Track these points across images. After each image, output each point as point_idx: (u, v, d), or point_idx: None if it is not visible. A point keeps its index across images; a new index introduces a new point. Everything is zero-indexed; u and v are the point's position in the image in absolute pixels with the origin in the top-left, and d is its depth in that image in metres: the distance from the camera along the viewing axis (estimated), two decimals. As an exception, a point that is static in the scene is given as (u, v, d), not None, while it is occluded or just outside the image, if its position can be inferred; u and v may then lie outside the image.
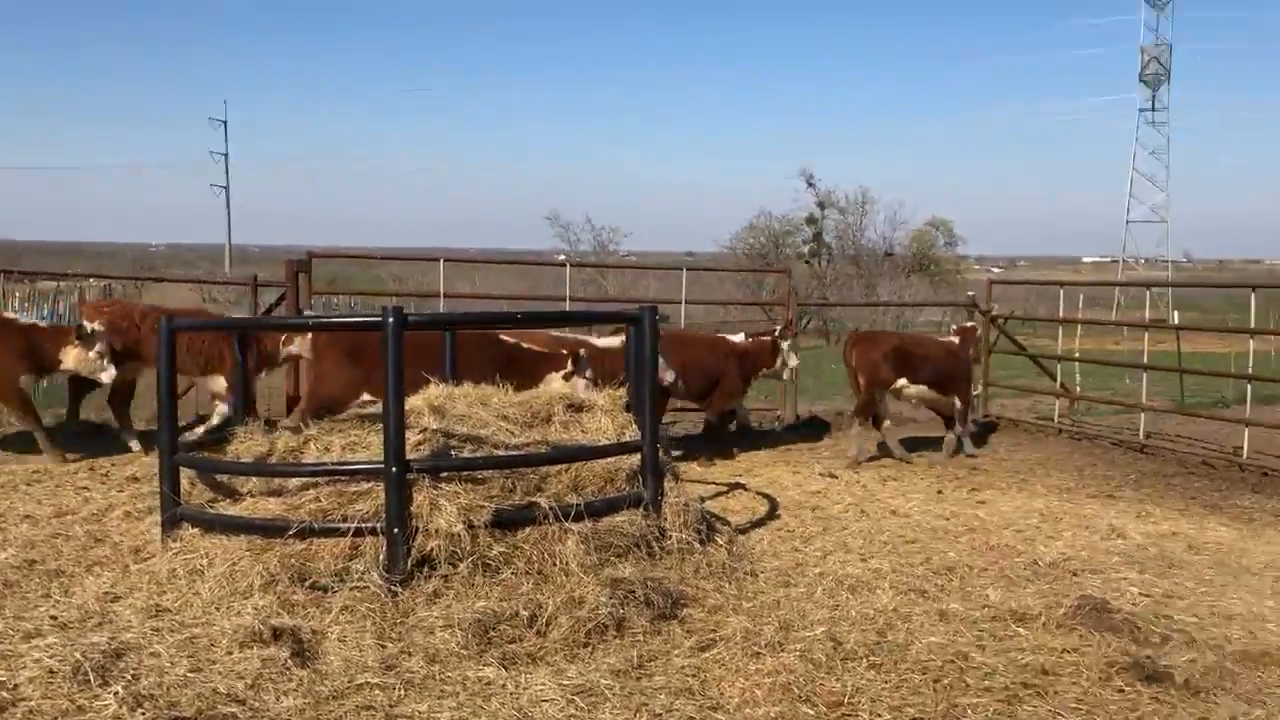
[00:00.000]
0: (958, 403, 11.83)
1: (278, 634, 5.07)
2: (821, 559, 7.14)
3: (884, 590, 6.37)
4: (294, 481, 6.25)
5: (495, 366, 8.69)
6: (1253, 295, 12.62)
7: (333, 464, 6.29)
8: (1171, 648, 5.56)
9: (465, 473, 6.17)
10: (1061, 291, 15.16)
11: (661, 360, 10.38)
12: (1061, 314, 15.10)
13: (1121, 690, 4.98)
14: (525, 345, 10.08)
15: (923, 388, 11.64)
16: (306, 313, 12.22)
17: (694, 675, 5.04)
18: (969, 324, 13.06)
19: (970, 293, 15.50)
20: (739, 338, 12.00)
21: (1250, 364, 12.80)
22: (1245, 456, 11.56)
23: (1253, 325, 12.92)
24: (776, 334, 11.94)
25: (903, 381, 11.50)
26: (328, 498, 5.99)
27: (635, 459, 6.76)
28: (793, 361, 12.06)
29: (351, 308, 28.82)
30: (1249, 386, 12.96)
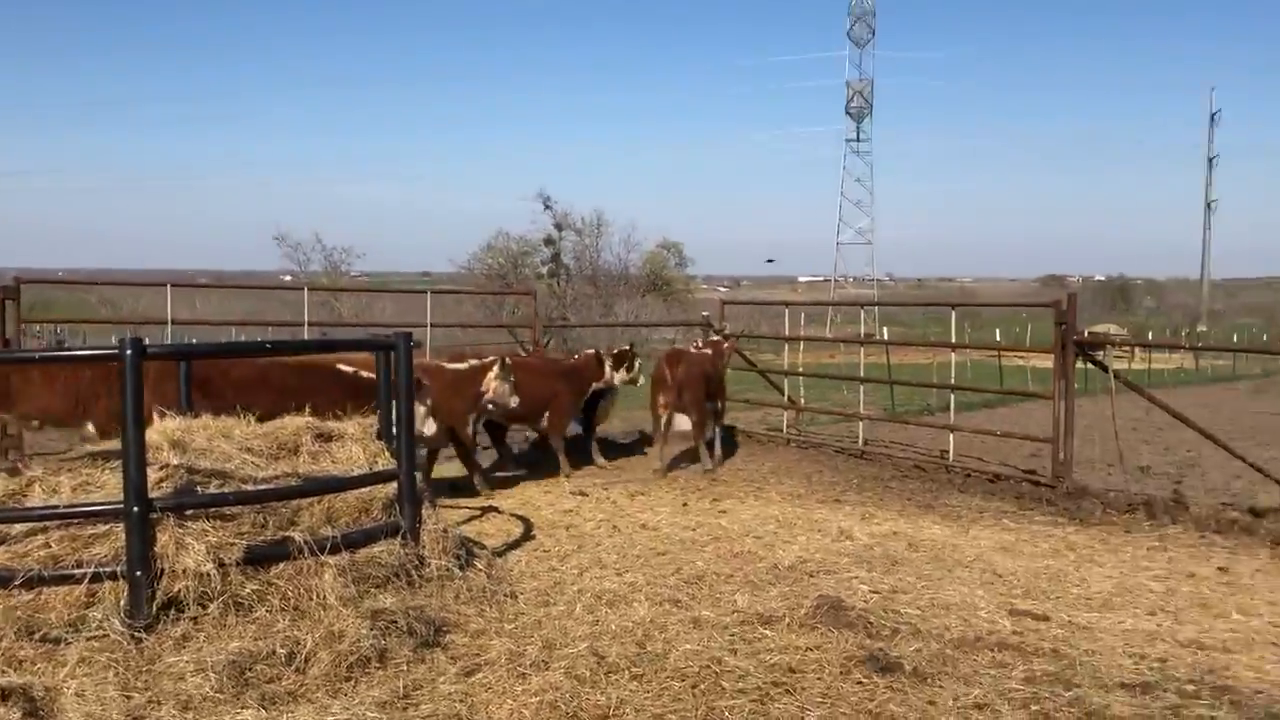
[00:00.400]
0: (720, 407, 13.07)
1: (5, 694, 4.70)
2: (579, 576, 7.31)
3: (640, 602, 6.61)
4: (19, 527, 5.78)
5: (343, 398, 8.60)
6: (953, 313, 13.91)
7: (65, 506, 5.86)
8: (900, 639, 6.08)
9: (213, 509, 5.91)
10: (786, 311, 16.13)
11: (506, 387, 10.50)
12: (786, 331, 16.05)
13: (860, 682, 5.40)
14: (365, 374, 9.82)
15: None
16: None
17: (461, 701, 5.07)
18: (716, 338, 13.82)
19: (705, 313, 16.19)
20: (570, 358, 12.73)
21: (952, 374, 14.07)
22: (951, 459, 12.71)
23: (953, 340, 14.21)
24: (631, 348, 13.15)
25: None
26: (60, 543, 5.59)
27: (391, 487, 6.69)
28: (642, 380, 13.00)
29: (57, 335, 26.61)
30: (952, 395, 14.26)
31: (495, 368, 10.63)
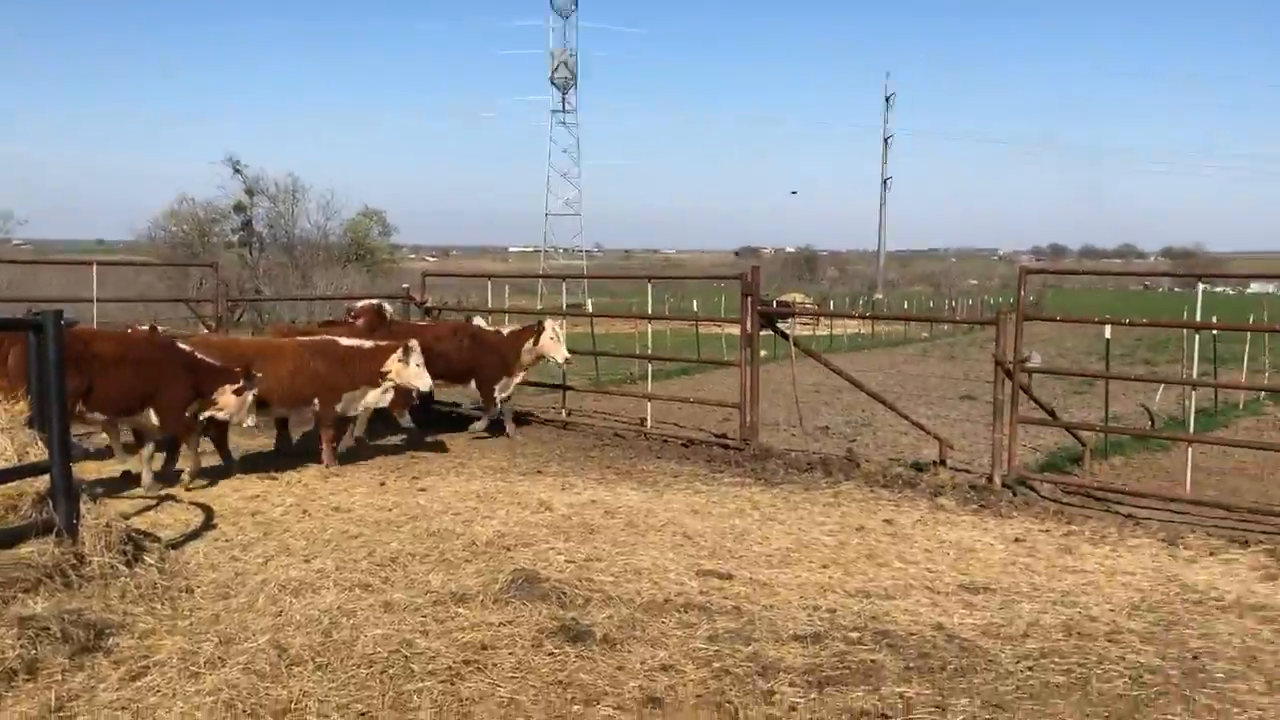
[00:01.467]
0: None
1: None
2: (263, 565, 6.94)
3: (329, 589, 6.37)
4: None
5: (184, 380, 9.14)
6: (649, 285, 14.30)
7: None
8: (592, 607, 6.19)
9: None
10: (489, 283, 16.01)
11: (412, 370, 10.55)
12: (490, 304, 15.94)
13: (552, 654, 5.45)
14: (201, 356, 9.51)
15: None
16: None
17: (124, 708, 4.69)
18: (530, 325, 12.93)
19: (404, 285, 15.78)
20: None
21: (649, 344, 14.46)
22: (649, 426, 13.08)
23: (650, 311, 14.61)
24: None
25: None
26: None
27: (44, 481, 6.08)
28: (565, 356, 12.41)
29: None
30: (650, 365, 14.66)
31: (400, 351, 10.61)
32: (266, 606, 6.04)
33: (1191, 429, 11.36)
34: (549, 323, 12.45)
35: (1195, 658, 5.63)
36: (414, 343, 10.73)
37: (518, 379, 12.66)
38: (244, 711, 4.66)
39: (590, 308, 21.66)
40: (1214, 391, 16.96)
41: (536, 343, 12.38)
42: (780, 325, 12.49)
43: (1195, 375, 13.77)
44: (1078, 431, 11.15)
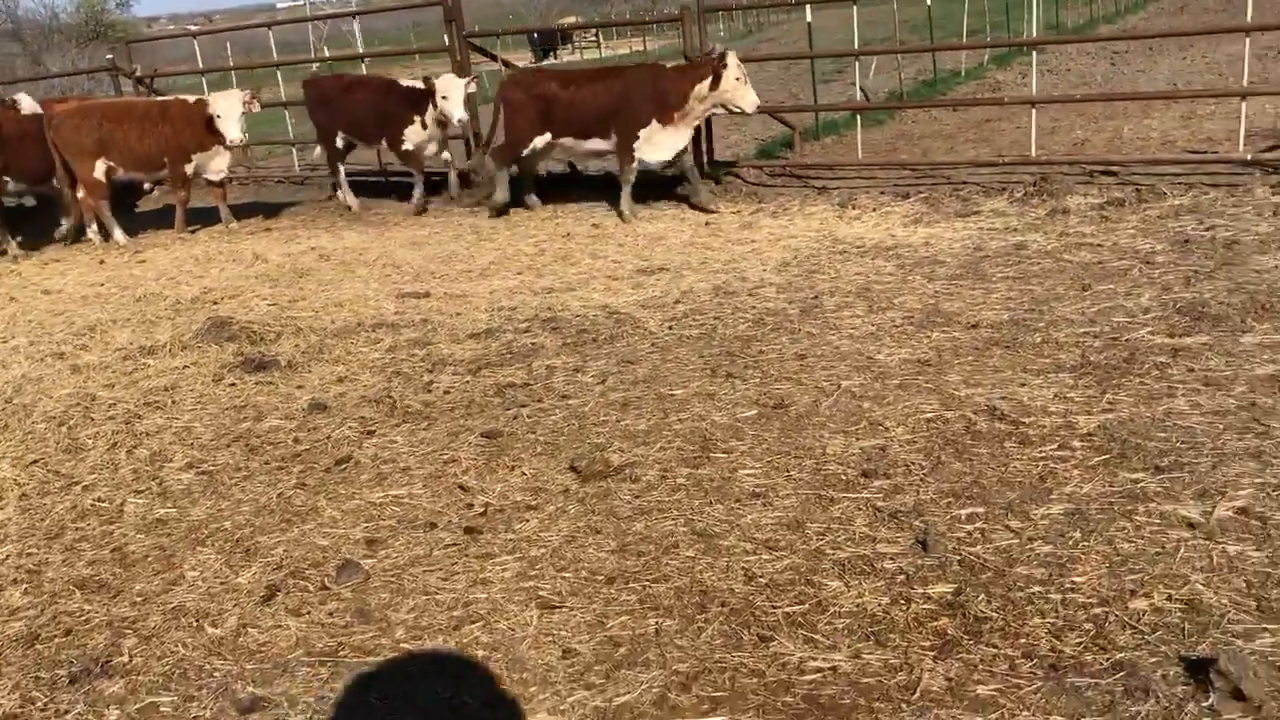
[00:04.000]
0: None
1: None
2: (-46, 353, 6.99)
3: (19, 363, 6.53)
4: None
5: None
6: (355, 21, 13.84)
7: None
8: (283, 340, 6.55)
9: None
10: (195, 41, 15.00)
11: None
12: (201, 65, 15.06)
13: (233, 385, 5.84)
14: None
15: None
16: None
17: None
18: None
19: (109, 55, 14.77)
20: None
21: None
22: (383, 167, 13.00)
23: (360, 50, 14.26)
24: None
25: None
26: None
27: None
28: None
29: None
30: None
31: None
32: (-56, 389, 6.18)
33: (868, 100, 12.06)
34: (733, 57, 9.04)
35: (816, 298, 6.40)
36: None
37: (683, 131, 9.44)
38: (-85, 486, 4.92)
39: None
40: (932, 62, 17.78)
41: (715, 85, 9.04)
42: (559, 52, 12.24)
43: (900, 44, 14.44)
44: (783, 116, 11.73)
